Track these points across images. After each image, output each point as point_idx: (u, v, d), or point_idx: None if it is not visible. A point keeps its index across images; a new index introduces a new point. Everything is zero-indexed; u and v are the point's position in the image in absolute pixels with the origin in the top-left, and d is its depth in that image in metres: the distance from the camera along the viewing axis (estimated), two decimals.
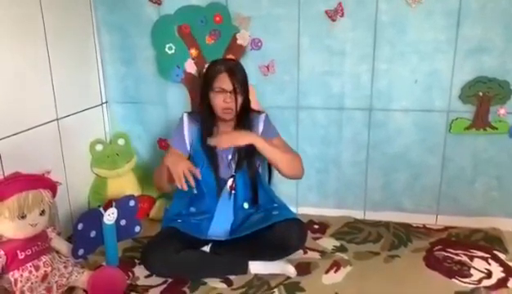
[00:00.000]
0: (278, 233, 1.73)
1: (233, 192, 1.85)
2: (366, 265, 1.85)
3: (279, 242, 1.74)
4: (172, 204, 1.93)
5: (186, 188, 1.64)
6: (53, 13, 1.91)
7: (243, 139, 1.71)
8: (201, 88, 1.83)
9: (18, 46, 1.74)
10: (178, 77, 2.19)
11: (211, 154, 1.83)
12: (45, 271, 1.58)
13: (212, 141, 1.70)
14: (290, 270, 1.75)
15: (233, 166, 1.85)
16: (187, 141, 1.87)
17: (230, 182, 1.85)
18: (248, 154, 1.83)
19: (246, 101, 1.83)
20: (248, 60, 2.12)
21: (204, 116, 1.84)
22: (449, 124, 2.05)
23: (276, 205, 1.88)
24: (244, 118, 1.84)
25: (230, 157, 1.86)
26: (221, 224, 1.83)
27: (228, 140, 1.71)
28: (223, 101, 1.75)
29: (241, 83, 1.77)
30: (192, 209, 1.88)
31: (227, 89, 1.74)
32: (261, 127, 1.89)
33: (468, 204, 2.15)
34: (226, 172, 1.86)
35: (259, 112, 1.94)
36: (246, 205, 1.86)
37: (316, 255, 1.92)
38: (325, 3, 2.01)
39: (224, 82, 1.74)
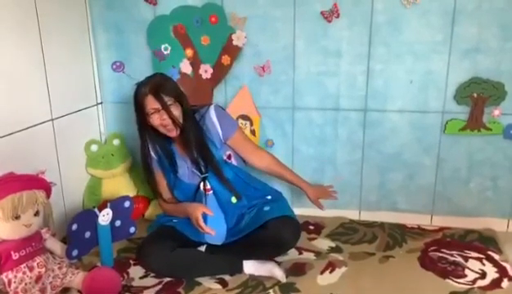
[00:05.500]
0: (272, 231, 1.73)
1: (209, 193, 1.85)
2: (361, 266, 1.85)
3: (273, 240, 1.74)
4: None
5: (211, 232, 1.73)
6: (48, 11, 1.90)
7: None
8: (137, 115, 1.79)
9: (12, 45, 1.73)
10: (174, 78, 2.18)
11: (173, 168, 1.86)
12: (39, 272, 1.58)
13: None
14: (278, 274, 1.74)
15: (197, 171, 1.85)
16: (156, 159, 1.88)
17: (201, 186, 1.85)
18: (203, 156, 1.82)
19: (185, 107, 1.79)
20: (243, 60, 2.13)
21: (156, 138, 1.83)
22: (444, 125, 2.06)
23: (269, 197, 1.89)
24: (189, 123, 1.80)
25: (190, 164, 1.85)
26: (215, 227, 1.82)
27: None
28: (160, 120, 1.74)
29: (170, 95, 1.74)
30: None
31: (158, 108, 1.72)
32: (216, 121, 1.85)
33: (462, 205, 2.15)
34: (194, 178, 1.86)
35: (203, 106, 1.90)
36: (234, 199, 1.86)
37: (311, 255, 1.93)
38: (320, 4, 2.01)
39: (152, 103, 1.72)
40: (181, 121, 1.77)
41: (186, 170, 1.86)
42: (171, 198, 1.91)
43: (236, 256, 1.78)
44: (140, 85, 1.77)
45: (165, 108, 1.72)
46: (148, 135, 1.83)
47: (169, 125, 1.75)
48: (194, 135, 1.80)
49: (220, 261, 1.78)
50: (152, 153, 1.87)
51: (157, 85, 1.74)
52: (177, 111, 1.75)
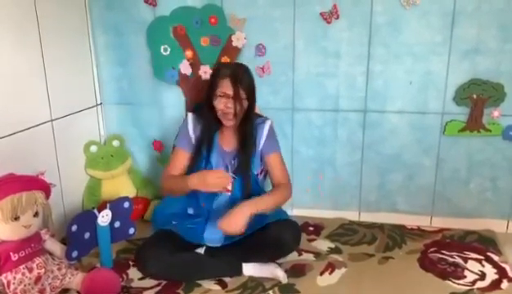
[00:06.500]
0: (272, 233, 1.73)
1: (229, 194, 1.84)
2: (360, 267, 1.85)
3: (273, 242, 1.74)
4: (165, 202, 1.93)
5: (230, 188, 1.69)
6: (47, 13, 1.90)
7: (242, 221, 1.67)
8: (207, 90, 1.81)
9: (11, 46, 1.73)
10: (173, 79, 2.18)
11: (208, 153, 1.83)
12: (38, 273, 1.57)
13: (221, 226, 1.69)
14: (280, 274, 1.73)
15: (232, 169, 1.84)
16: (193, 141, 1.85)
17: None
18: (242, 160, 1.82)
19: (251, 108, 1.80)
20: (243, 61, 2.12)
21: (208, 119, 1.82)
22: (443, 126, 2.06)
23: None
24: (247, 125, 1.82)
25: (226, 160, 1.85)
26: (216, 229, 1.82)
27: (232, 227, 1.68)
28: (224, 106, 1.74)
29: (246, 90, 1.75)
30: (190, 210, 1.88)
31: (229, 94, 1.73)
32: (264, 135, 1.87)
33: (462, 205, 2.15)
34: None
35: (263, 117, 1.92)
36: None
37: (310, 256, 1.92)
38: (320, 5, 2.01)
39: (227, 87, 1.73)
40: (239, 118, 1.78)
41: (220, 163, 1.84)
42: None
43: (236, 257, 1.78)
44: (224, 64, 1.80)
45: (236, 97, 1.72)
46: (204, 112, 1.82)
47: (230, 114, 1.75)
48: (245, 137, 1.81)
49: (219, 264, 1.77)
50: (191, 132, 1.84)
51: (239, 74, 1.75)
52: (243, 106, 1.76)
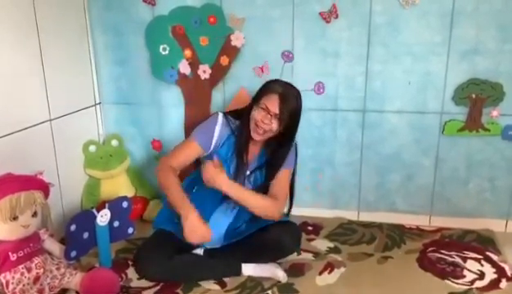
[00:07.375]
0: (272, 236, 1.73)
1: (235, 209, 1.82)
2: (359, 267, 1.85)
3: (273, 245, 1.74)
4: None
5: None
6: (46, 13, 1.90)
7: (215, 182, 1.68)
8: (252, 98, 1.79)
9: (10, 46, 1.73)
10: (172, 78, 2.18)
11: (240, 166, 1.79)
12: (37, 273, 1.57)
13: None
14: (280, 274, 1.74)
15: (246, 182, 1.82)
16: (213, 142, 1.79)
17: None
18: (269, 180, 1.81)
19: (288, 135, 1.78)
20: (242, 61, 2.12)
21: (244, 127, 1.77)
22: (442, 126, 2.06)
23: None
24: (278, 146, 1.79)
25: (248, 173, 1.83)
26: (215, 231, 1.81)
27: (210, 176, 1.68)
28: (260, 119, 1.70)
29: (288, 114, 1.70)
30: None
31: (271, 111, 1.69)
32: None
33: (461, 205, 2.16)
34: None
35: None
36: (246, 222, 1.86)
37: (309, 256, 1.93)
38: (319, 5, 2.01)
39: (271, 102, 1.69)
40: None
41: (242, 175, 1.81)
42: (175, 168, 1.77)
43: (235, 258, 1.77)
44: (279, 81, 1.77)
45: (279, 117, 1.69)
46: (244, 120, 1.77)
47: (261, 129, 1.72)
48: (274, 160, 1.80)
49: (218, 265, 1.77)
50: (217, 133, 1.78)
51: (290, 97, 1.72)
52: (278, 128, 1.72)
